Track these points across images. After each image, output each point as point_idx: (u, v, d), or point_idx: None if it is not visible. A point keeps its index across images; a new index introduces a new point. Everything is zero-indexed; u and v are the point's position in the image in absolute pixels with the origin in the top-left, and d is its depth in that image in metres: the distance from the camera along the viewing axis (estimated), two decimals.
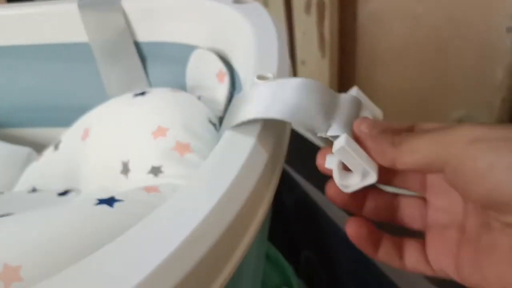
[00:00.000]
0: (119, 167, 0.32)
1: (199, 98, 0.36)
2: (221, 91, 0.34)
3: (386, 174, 0.22)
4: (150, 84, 0.43)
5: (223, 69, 0.35)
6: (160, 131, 0.30)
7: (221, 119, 0.35)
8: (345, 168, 0.21)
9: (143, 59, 0.43)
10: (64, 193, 0.37)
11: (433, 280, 0.36)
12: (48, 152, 0.39)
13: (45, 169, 0.39)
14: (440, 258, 0.21)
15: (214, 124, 0.33)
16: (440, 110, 0.66)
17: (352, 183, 0.21)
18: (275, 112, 0.21)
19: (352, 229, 0.22)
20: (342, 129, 0.20)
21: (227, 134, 0.22)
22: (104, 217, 0.22)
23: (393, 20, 0.63)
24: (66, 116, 0.46)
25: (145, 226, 0.16)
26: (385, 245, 0.22)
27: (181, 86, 0.40)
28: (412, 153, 0.18)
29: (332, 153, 0.20)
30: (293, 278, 0.39)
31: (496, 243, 0.17)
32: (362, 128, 0.20)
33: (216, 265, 0.16)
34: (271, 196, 0.21)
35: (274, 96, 0.21)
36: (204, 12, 0.39)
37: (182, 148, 0.29)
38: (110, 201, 0.23)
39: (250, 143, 0.21)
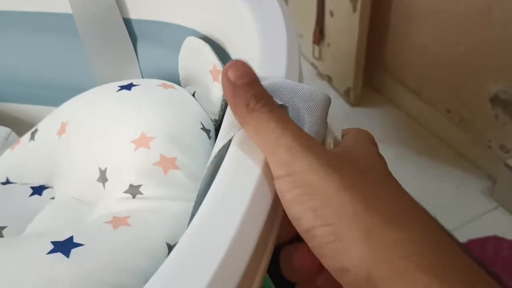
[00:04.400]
0: (96, 174, 0.28)
1: (193, 94, 0.32)
2: (216, 91, 0.29)
3: None
4: (140, 68, 0.38)
5: (218, 65, 0.30)
6: (143, 140, 0.26)
7: (215, 122, 0.30)
8: None
9: (133, 39, 0.38)
10: (38, 190, 0.34)
11: None
12: (24, 141, 0.35)
13: (20, 159, 0.35)
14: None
15: (207, 131, 0.29)
16: (475, 80, 0.62)
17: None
18: None
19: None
20: None
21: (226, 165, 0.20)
22: (57, 268, 0.18)
23: None
24: (49, 94, 0.42)
25: None
26: None
27: (174, 73, 0.36)
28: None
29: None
30: None
31: None
32: (229, 74, 0.20)
33: None
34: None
35: None
36: None
37: (167, 163, 0.25)
38: (66, 247, 0.19)
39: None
